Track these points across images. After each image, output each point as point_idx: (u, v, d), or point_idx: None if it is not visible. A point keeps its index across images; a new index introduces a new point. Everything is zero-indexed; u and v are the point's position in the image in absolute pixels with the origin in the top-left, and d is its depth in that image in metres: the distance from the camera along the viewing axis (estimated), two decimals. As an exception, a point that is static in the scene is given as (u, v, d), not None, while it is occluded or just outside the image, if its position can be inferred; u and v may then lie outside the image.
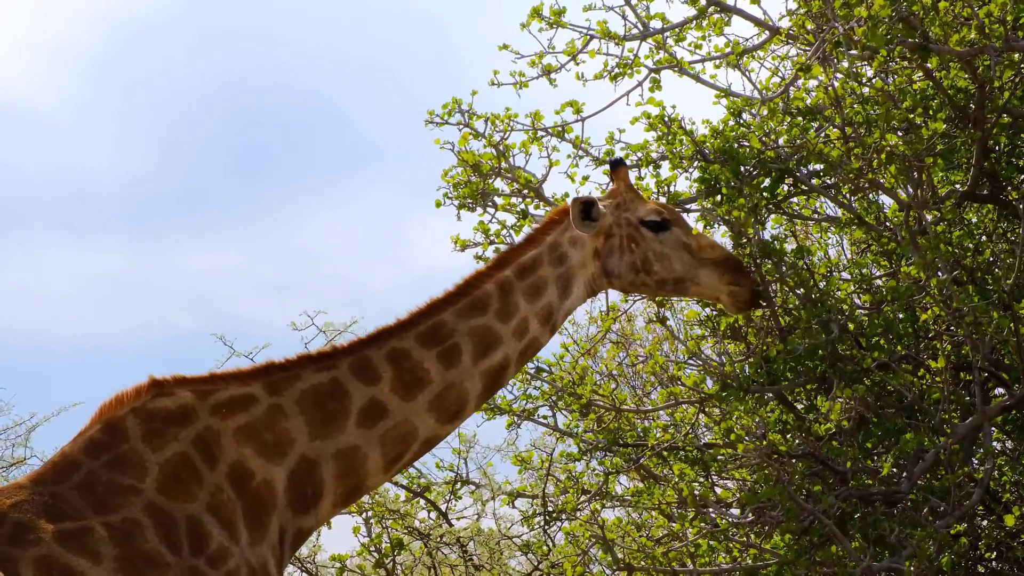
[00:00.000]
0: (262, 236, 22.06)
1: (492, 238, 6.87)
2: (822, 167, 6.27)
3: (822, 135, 6.24)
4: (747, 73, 7.13)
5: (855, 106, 5.97)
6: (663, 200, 6.75)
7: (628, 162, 7.08)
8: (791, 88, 6.52)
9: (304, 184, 22.59)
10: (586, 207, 5.21)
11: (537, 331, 5.06)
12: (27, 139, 22.24)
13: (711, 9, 7.18)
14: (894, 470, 5.93)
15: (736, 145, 6.20)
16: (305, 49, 23.36)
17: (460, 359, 4.85)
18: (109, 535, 4.01)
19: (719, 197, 6.08)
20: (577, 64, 7.20)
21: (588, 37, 7.21)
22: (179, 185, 23.49)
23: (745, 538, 6.02)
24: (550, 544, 8.48)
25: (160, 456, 4.27)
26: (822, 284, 6.10)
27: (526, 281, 5.07)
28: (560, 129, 7.08)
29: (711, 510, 6.00)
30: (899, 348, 6.03)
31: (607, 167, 5.71)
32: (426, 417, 4.78)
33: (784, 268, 5.98)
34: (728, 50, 7.15)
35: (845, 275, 6.68)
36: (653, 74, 7.24)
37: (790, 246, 6.24)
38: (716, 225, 6.40)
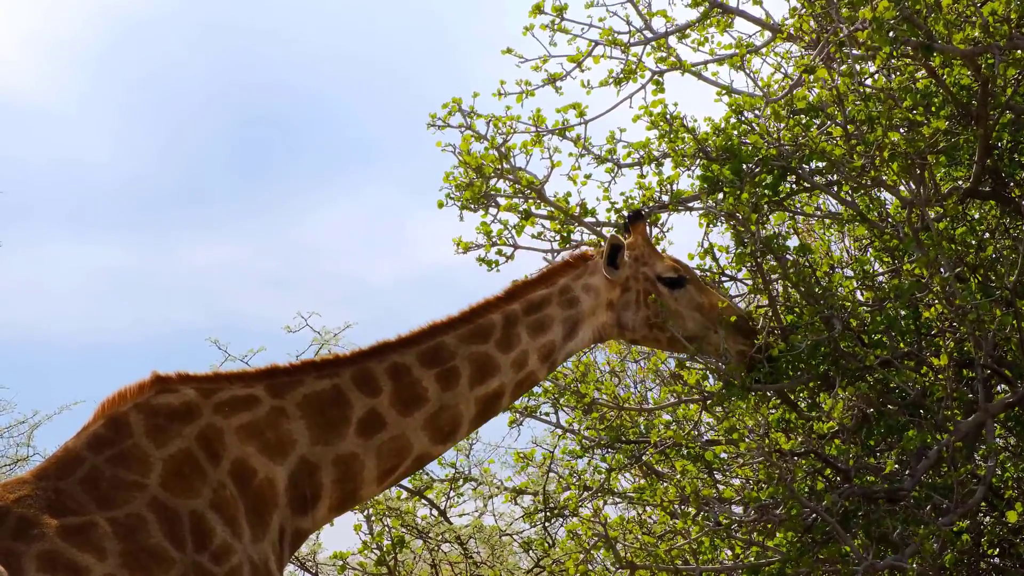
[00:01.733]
0: (264, 232, 22.08)
1: (495, 239, 6.87)
2: (824, 164, 6.26)
3: (824, 132, 6.23)
4: (753, 76, 7.13)
5: (857, 103, 5.97)
6: (666, 199, 6.75)
7: (629, 160, 7.10)
8: (798, 87, 6.51)
9: (306, 180, 22.60)
10: (614, 250, 5.34)
11: (535, 366, 5.18)
12: (28, 135, 22.22)
13: (714, 11, 7.18)
14: (897, 467, 5.92)
15: (738, 143, 6.20)
16: (306, 45, 23.36)
17: (458, 382, 4.95)
18: (113, 530, 4.02)
19: (721, 195, 6.08)
20: (582, 71, 7.21)
21: (593, 44, 7.21)
22: (181, 180, 23.49)
23: (748, 536, 6.01)
24: (551, 541, 8.48)
25: (164, 452, 4.29)
26: (824, 281, 6.10)
27: (532, 317, 5.20)
28: (561, 128, 7.07)
29: (715, 507, 6.00)
30: (902, 345, 6.02)
31: (624, 215, 5.79)
32: (421, 434, 4.87)
33: (787, 264, 5.99)
34: (734, 50, 7.14)
35: (848, 272, 6.68)
36: (656, 76, 7.24)
37: (792, 243, 6.23)
38: (718, 223, 6.40)
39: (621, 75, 7.21)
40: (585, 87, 7.20)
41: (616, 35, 7.18)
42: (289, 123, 23.82)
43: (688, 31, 7.27)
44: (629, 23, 7.26)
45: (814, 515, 5.60)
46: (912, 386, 5.85)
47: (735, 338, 5.57)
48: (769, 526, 5.88)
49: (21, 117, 22.13)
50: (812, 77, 6.11)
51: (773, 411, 6.12)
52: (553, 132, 7.06)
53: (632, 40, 7.24)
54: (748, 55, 7.10)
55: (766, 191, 6.16)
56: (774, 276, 6.07)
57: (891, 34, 5.64)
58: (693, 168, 6.53)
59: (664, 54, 7.18)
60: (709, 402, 6.33)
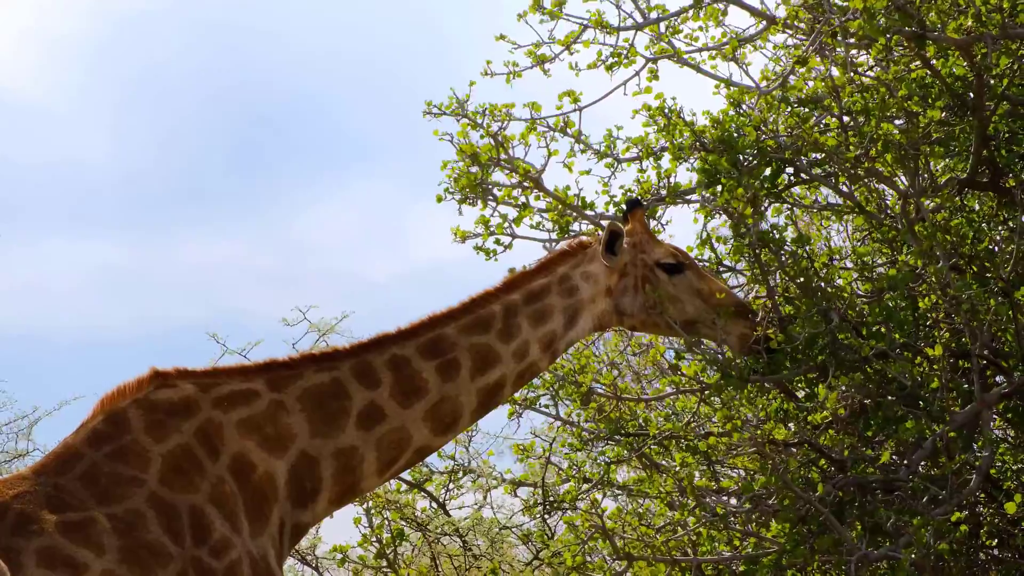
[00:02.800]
0: (262, 228, 22.10)
1: (493, 230, 6.87)
2: (821, 156, 6.27)
3: (820, 124, 6.24)
4: (744, 65, 7.13)
5: (854, 95, 5.97)
6: (664, 193, 6.75)
7: (628, 155, 7.09)
8: (791, 77, 6.51)
9: (302, 177, 22.62)
10: (613, 237, 5.32)
11: (537, 356, 5.16)
12: (25, 132, 22.24)
13: (707, -1, 7.18)
14: (894, 458, 5.93)
15: (736, 135, 6.19)
16: (303, 43, 23.37)
17: (458, 373, 4.94)
18: (112, 526, 4.02)
19: (719, 188, 6.09)
20: (571, 54, 7.19)
21: (582, 26, 7.21)
22: (178, 177, 23.51)
23: (745, 527, 6.02)
24: (550, 533, 8.49)
25: (163, 447, 4.30)
26: (822, 273, 6.10)
27: (532, 307, 5.18)
28: (563, 125, 7.06)
29: (712, 499, 6.01)
30: (898, 336, 6.03)
31: (623, 206, 5.79)
32: (421, 426, 4.86)
33: (784, 257, 5.99)
34: (725, 41, 7.14)
35: (847, 263, 6.68)
36: (651, 63, 7.23)
37: (791, 235, 6.24)
38: (716, 215, 6.40)
39: (610, 59, 7.20)
40: (573, 69, 7.20)
41: (604, 18, 7.18)
42: (286, 120, 23.84)
43: (682, 21, 7.26)
44: (619, 7, 7.25)
45: (809, 505, 5.61)
46: (909, 377, 5.86)
47: (735, 321, 5.57)
48: (763, 517, 5.89)
49: (17, 115, 22.15)
50: (804, 68, 6.11)
51: (771, 402, 6.13)
52: (553, 128, 7.06)
53: (623, 25, 7.23)
54: (740, 46, 7.09)
55: (764, 183, 6.16)
56: (772, 268, 6.07)
57: (881, 23, 5.65)
58: (691, 160, 6.53)
59: (654, 36, 7.18)
60: (707, 393, 6.34)
